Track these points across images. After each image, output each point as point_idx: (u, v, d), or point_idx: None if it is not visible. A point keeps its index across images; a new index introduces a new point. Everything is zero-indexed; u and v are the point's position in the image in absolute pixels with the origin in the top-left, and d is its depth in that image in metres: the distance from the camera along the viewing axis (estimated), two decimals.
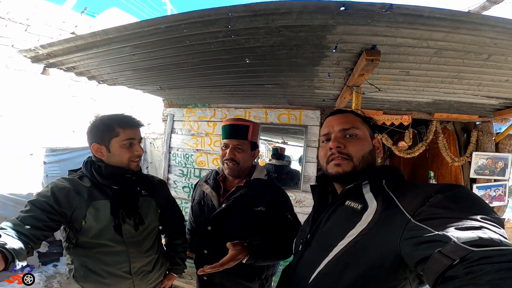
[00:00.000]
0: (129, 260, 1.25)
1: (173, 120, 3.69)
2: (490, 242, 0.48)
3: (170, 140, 3.71)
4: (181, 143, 3.62)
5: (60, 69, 2.11)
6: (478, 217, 0.55)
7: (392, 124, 2.96)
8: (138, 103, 6.72)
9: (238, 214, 1.34)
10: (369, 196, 0.76)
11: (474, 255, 0.46)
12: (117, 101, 6.25)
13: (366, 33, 1.26)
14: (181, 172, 3.61)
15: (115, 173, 1.22)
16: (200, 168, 3.49)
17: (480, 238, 0.49)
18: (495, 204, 3.06)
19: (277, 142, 6.08)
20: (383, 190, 0.75)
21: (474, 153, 3.04)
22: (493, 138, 3.06)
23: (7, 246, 0.86)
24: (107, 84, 2.62)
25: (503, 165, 3.06)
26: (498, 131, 3.12)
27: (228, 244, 1.02)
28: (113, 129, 1.18)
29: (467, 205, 0.59)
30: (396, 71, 1.75)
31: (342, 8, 1.05)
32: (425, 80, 1.87)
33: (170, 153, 3.71)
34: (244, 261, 1.05)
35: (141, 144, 1.29)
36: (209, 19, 1.16)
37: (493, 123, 3.04)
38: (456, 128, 3.34)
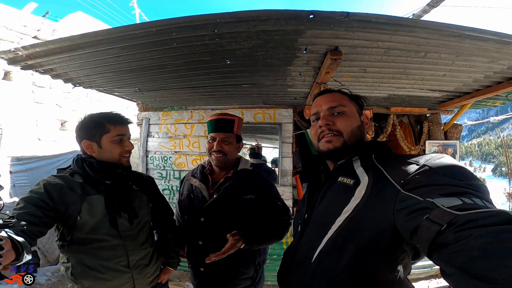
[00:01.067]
0: (126, 253, 1.26)
1: (149, 124, 3.70)
2: (473, 206, 0.49)
3: (146, 144, 3.71)
4: (158, 146, 3.65)
5: (36, 71, 2.12)
6: (462, 183, 0.57)
7: None
8: (106, 109, 6.55)
9: (229, 203, 1.41)
10: (360, 171, 0.78)
11: (459, 219, 0.47)
12: (84, 107, 6.05)
13: (330, 36, 1.51)
14: (160, 174, 3.64)
15: (108, 168, 1.26)
16: (180, 170, 3.56)
17: (464, 202, 0.50)
18: None
19: (251, 145, 6.29)
20: (373, 164, 0.77)
21: (427, 142, 3.47)
22: (442, 128, 3.52)
23: (14, 237, 0.86)
24: (83, 87, 2.64)
25: (453, 151, 3.50)
26: (446, 122, 3.60)
27: (228, 236, 1.17)
28: (104, 125, 1.23)
29: (452, 172, 0.60)
30: (355, 69, 2.04)
31: (311, 16, 1.28)
32: (379, 77, 2.19)
33: (147, 156, 3.71)
34: (242, 247, 1.21)
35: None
36: (199, 23, 1.32)
37: (441, 115, 3.49)
38: (410, 120, 3.79)
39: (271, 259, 3.24)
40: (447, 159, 0.65)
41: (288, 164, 3.31)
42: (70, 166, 1.29)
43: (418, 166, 0.65)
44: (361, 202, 0.72)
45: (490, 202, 0.53)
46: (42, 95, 5.26)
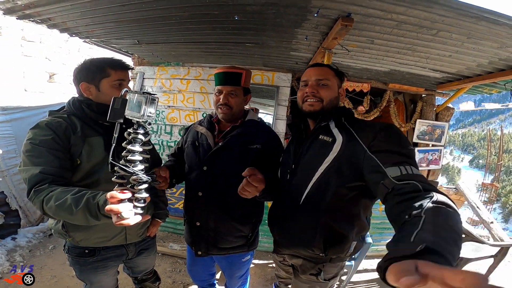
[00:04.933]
0: None
1: (143, 78, 3.61)
2: (405, 176, 0.78)
3: None
4: None
5: (32, 21, 2.03)
6: (404, 151, 0.85)
7: (354, 91, 3.30)
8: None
9: (234, 152, 1.38)
10: (335, 131, 1.06)
11: (396, 186, 0.77)
12: (75, 61, 5.72)
13: (345, 1, 1.45)
14: (151, 128, 3.62)
15: (107, 110, 1.17)
16: (172, 125, 3.55)
17: (402, 174, 0.79)
18: (431, 167, 3.65)
19: (250, 107, 6.23)
20: (344, 126, 1.06)
21: (418, 120, 3.55)
22: (434, 109, 3.59)
23: None
24: (79, 37, 2.55)
25: (440, 133, 3.62)
26: (439, 104, 3.66)
27: (246, 171, 1.05)
28: (105, 70, 1.18)
29: (397, 141, 0.90)
30: (363, 39, 1.99)
31: None
32: (385, 50, 2.15)
33: None
34: (258, 194, 1.11)
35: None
36: None
37: (436, 97, 3.54)
38: (405, 99, 3.82)
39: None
40: (394, 129, 0.95)
41: (281, 126, 3.36)
42: (63, 107, 1.23)
43: (378, 133, 0.93)
44: (338, 154, 1.01)
45: (415, 165, 0.82)
46: (31, 49, 4.92)
